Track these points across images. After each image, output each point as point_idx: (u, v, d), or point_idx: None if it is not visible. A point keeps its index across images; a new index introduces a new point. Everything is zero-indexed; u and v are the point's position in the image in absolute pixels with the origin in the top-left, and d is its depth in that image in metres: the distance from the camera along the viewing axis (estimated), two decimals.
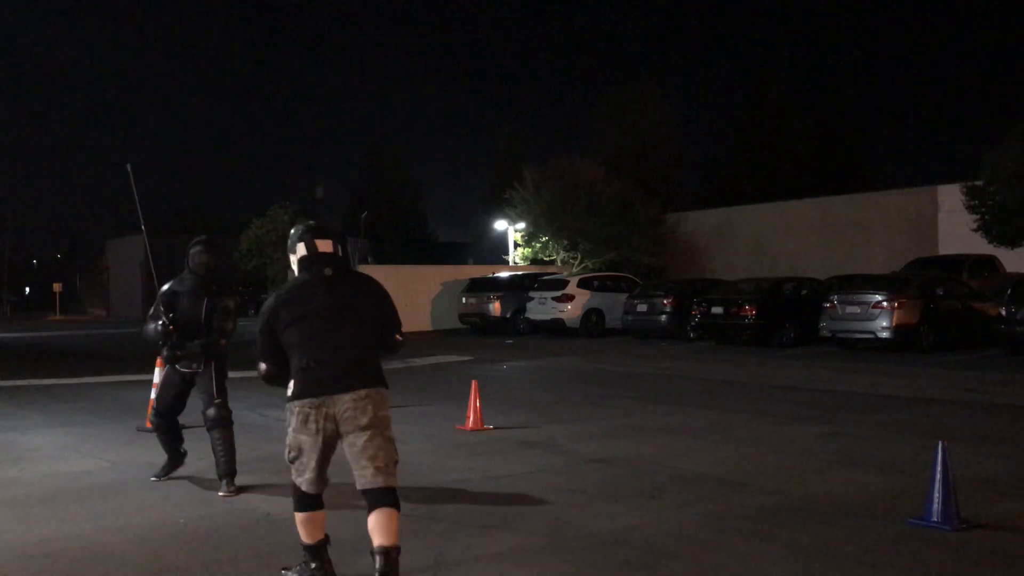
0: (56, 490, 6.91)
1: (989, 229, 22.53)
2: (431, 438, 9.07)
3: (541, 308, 24.97)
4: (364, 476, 4.38)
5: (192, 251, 6.89)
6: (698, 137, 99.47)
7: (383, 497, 4.34)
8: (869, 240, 29.98)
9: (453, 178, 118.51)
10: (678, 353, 19.23)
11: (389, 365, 19.23)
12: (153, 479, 7.11)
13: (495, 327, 25.86)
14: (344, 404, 4.37)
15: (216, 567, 5.03)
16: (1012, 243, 22.35)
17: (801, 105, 49.76)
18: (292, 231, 4.69)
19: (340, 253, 4.61)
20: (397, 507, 4.37)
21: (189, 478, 7.23)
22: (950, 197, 26.13)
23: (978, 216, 22.67)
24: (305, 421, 4.48)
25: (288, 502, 6.42)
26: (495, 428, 9.48)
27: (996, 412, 10.42)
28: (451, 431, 9.43)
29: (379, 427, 4.41)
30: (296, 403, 4.50)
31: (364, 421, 4.36)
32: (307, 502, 4.66)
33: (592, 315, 24.58)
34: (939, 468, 5.50)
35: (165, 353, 6.84)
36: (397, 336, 4.72)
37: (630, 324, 23.26)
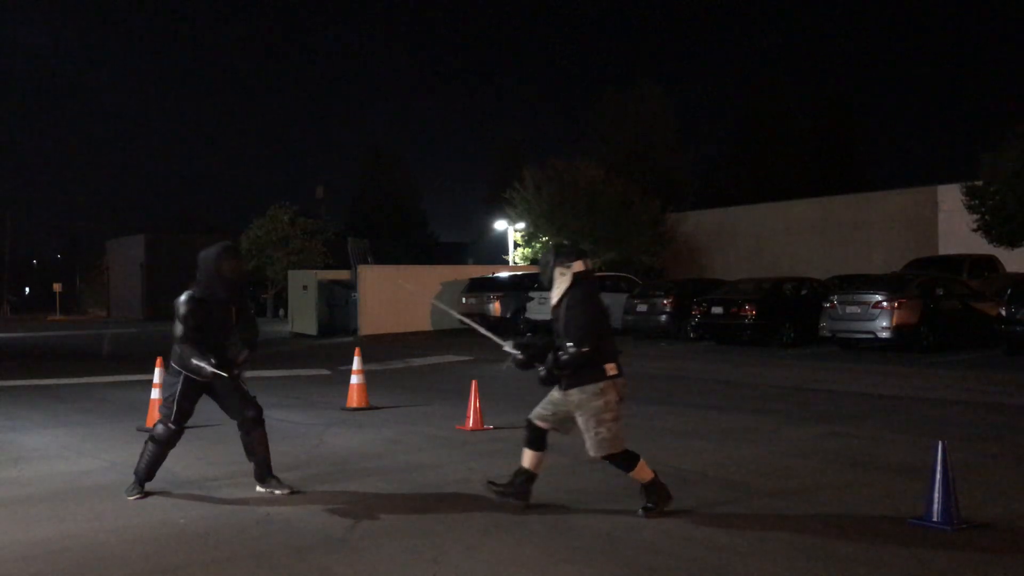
0: (56, 490, 6.91)
1: (989, 229, 22.53)
2: (431, 438, 9.08)
3: (541, 308, 24.91)
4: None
5: (222, 256, 6.58)
6: (698, 137, 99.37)
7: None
8: (869, 240, 29.98)
9: (453, 178, 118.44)
10: (678, 353, 19.22)
11: (389, 365, 19.14)
12: (134, 497, 6.57)
13: (495, 327, 25.81)
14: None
15: (216, 567, 5.03)
16: (1012, 243, 22.34)
17: (801, 105, 49.73)
18: (552, 251, 6.11)
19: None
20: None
21: (189, 479, 7.24)
22: (950, 197, 26.13)
23: (978, 216, 22.66)
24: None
25: (286, 503, 6.44)
26: (495, 428, 9.48)
27: (996, 412, 10.41)
28: (451, 431, 9.43)
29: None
30: None
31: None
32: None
33: None
34: (939, 468, 5.50)
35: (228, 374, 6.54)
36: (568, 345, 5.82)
37: (630, 324, 23.25)
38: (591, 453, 5.90)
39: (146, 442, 6.74)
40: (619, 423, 5.88)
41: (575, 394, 5.85)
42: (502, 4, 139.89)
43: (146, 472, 6.71)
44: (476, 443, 8.72)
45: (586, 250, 6.09)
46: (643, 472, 5.96)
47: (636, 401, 11.85)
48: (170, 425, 6.65)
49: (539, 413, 6.12)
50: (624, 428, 5.96)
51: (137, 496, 6.59)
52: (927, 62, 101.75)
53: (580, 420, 5.90)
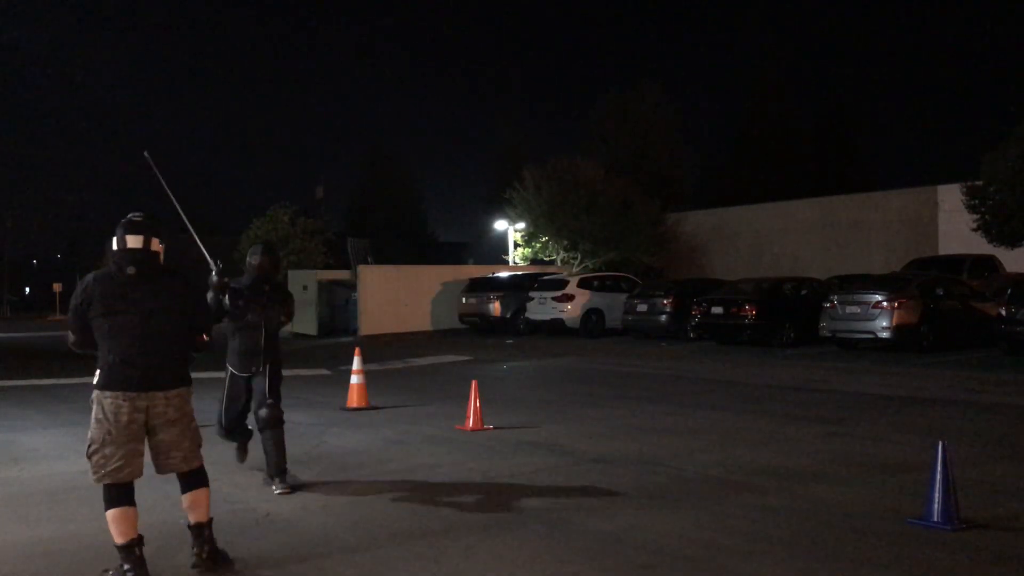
0: (56, 490, 6.91)
1: (989, 229, 22.51)
2: (431, 438, 9.08)
3: (541, 308, 24.96)
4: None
5: (250, 254, 7.03)
6: (698, 137, 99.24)
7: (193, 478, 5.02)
8: (869, 240, 29.98)
9: (453, 178, 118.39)
10: (678, 353, 19.23)
11: (389, 365, 19.21)
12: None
13: (495, 327, 25.85)
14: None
15: None
16: (1012, 243, 22.33)
17: (801, 105, 49.81)
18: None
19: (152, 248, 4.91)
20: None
21: None
22: (950, 197, 26.11)
23: (978, 216, 22.66)
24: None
25: (289, 502, 6.44)
26: (495, 428, 9.48)
27: (996, 412, 10.42)
28: (451, 431, 9.44)
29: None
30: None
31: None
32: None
33: (592, 315, 24.57)
34: (939, 468, 5.50)
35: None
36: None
37: (630, 324, 23.25)
38: None
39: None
40: (105, 449, 4.62)
41: None
42: (502, 4, 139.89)
43: (241, 447, 7.34)
44: (476, 443, 8.72)
45: (142, 226, 4.86)
46: (120, 527, 4.65)
47: (636, 401, 11.87)
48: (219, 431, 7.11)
49: None
50: (122, 463, 4.66)
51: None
52: (927, 62, 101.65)
53: None
